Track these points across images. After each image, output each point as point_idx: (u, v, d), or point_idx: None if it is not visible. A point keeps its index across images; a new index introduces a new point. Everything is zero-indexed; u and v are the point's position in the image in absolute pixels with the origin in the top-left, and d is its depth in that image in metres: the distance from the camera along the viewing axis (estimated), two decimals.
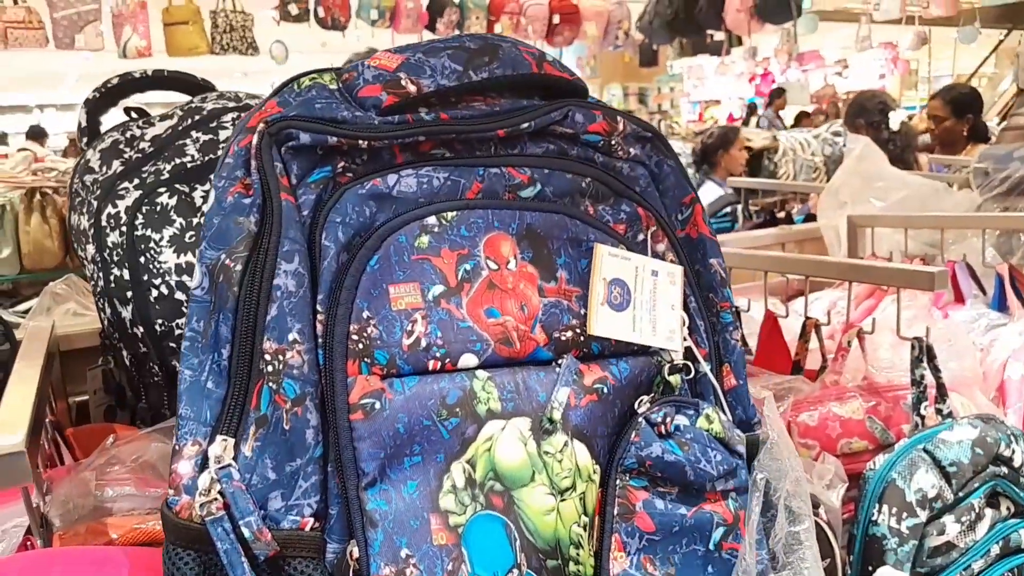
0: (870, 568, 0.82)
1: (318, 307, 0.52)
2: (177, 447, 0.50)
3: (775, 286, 1.44)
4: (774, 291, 1.33)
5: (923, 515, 0.82)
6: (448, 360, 0.55)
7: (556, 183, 0.62)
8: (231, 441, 0.50)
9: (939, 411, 0.96)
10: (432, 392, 0.54)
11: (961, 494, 0.84)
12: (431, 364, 0.55)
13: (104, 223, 0.84)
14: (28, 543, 0.62)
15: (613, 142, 0.65)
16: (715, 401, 0.66)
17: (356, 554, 0.50)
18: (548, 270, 0.60)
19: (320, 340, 0.52)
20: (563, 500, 0.56)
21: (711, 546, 0.59)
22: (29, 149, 4.76)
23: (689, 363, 0.64)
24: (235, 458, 0.50)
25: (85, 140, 0.96)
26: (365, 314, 0.52)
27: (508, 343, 0.57)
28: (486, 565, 0.53)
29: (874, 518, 0.83)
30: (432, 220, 0.56)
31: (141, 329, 0.82)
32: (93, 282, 0.87)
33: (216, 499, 0.48)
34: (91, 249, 0.86)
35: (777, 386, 1.02)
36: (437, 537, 0.52)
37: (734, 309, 0.68)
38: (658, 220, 0.66)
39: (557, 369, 0.59)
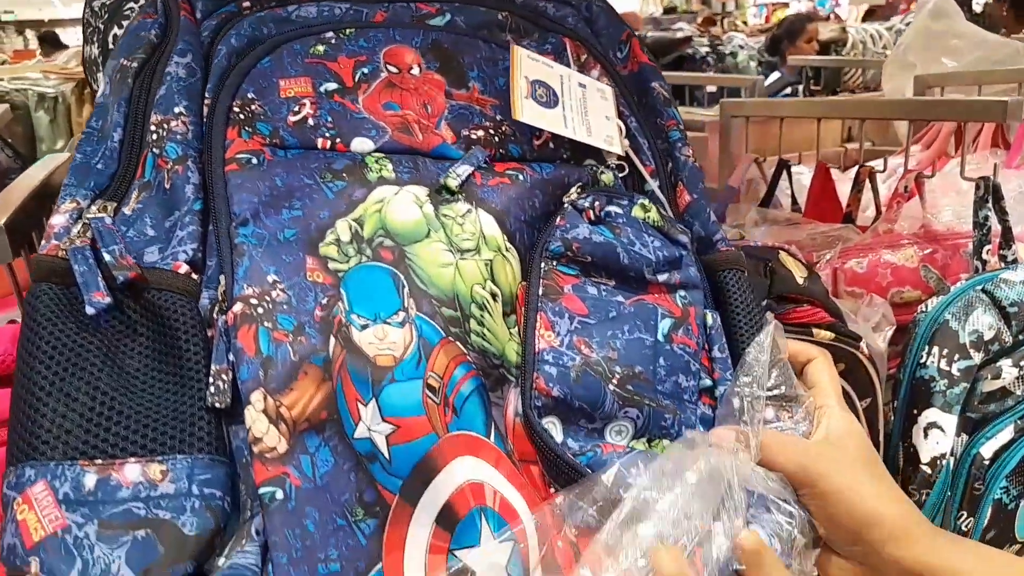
0: (915, 411, 0.77)
1: (206, 95, 0.52)
2: (55, 208, 0.49)
3: (831, 156, 1.35)
4: (830, 162, 1.24)
5: (977, 357, 0.76)
6: (339, 140, 0.53)
7: (468, 15, 0.59)
8: (112, 204, 0.49)
9: (1003, 258, 0.88)
10: (317, 158, 0.52)
11: (1022, 337, 0.78)
12: (319, 142, 0.52)
13: (112, 46, 0.81)
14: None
15: None
16: None
17: (223, 287, 0.48)
18: (458, 79, 0.57)
19: (204, 117, 0.52)
20: (463, 259, 0.52)
21: (659, 336, 0.54)
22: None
23: (624, 163, 0.60)
24: (114, 216, 0.49)
25: None
26: (250, 95, 0.52)
27: (408, 131, 0.54)
28: (367, 306, 0.49)
29: (923, 361, 0.77)
30: (330, 34, 0.55)
31: None
32: None
33: (83, 236, 0.47)
34: (101, 78, 0.83)
35: (823, 234, 0.95)
36: (312, 275, 0.49)
37: (681, 127, 0.64)
38: (590, 49, 0.63)
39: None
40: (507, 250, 0.54)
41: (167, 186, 0.49)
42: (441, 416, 0.48)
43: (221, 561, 0.45)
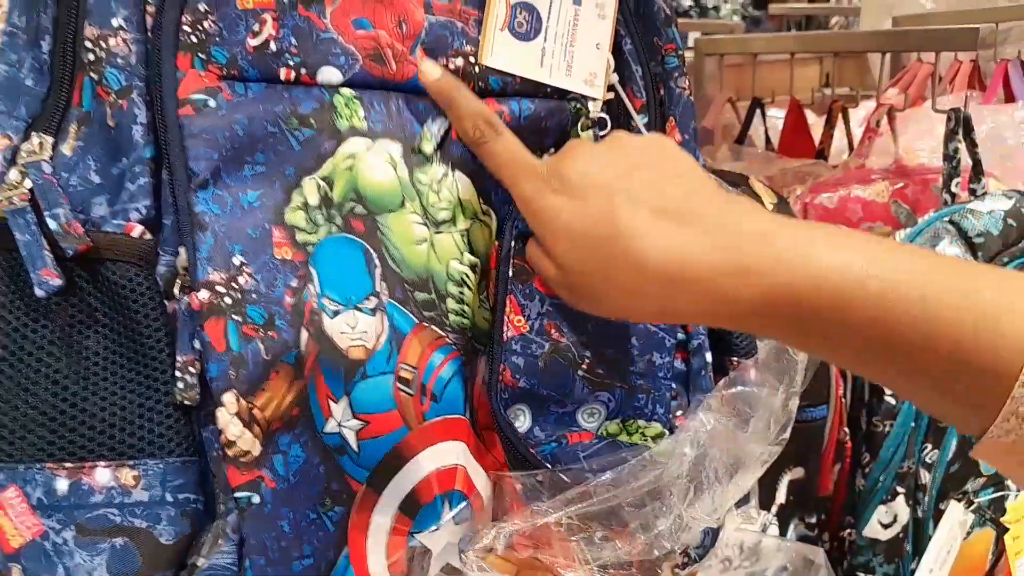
0: None
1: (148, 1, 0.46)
2: None
3: (805, 102, 1.34)
4: (807, 106, 1.23)
5: None
6: (304, 71, 0.47)
7: None
8: (49, 140, 0.44)
9: (972, 192, 0.88)
10: (281, 98, 0.47)
11: None
12: (283, 72, 0.47)
13: None
14: None
15: None
16: None
17: (185, 261, 0.45)
18: None
19: (149, 33, 0.45)
20: (439, 232, 0.50)
21: None
22: None
23: (606, 116, 0.54)
24: (52, 158, 0.44)
25: None
26: (202, 7, 0.45)
27: (380, 61, 0.49)
28: (338, 288, 0.47)
29: None
30: None
31: None
32: None
33: (22, 192, 0.42)
34: None
35: (795, 170, 0.95)
36: (280, 251, 0.46)
37: (680, 52, 0.58)
38: None
39: None
40: (484, 213, 0.51)
41: (111, 124, 0.45)
42: (416, 406, 0.48)
43: (200, 561, 0.45)
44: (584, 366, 0.51)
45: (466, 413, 0.50)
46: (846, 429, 0.78)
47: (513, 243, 0.51)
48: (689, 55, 1.38)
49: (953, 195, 0.85)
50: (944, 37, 0.86)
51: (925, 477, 0.79)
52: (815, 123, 1.19)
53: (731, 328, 0.55)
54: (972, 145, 0.86)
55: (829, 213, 0.89)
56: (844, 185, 0.90)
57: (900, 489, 0.78)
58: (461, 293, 0.50)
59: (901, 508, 0.79)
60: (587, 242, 0.43)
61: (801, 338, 0.41)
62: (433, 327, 0.49)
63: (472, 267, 0.51)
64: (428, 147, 0.49)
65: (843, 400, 0.77)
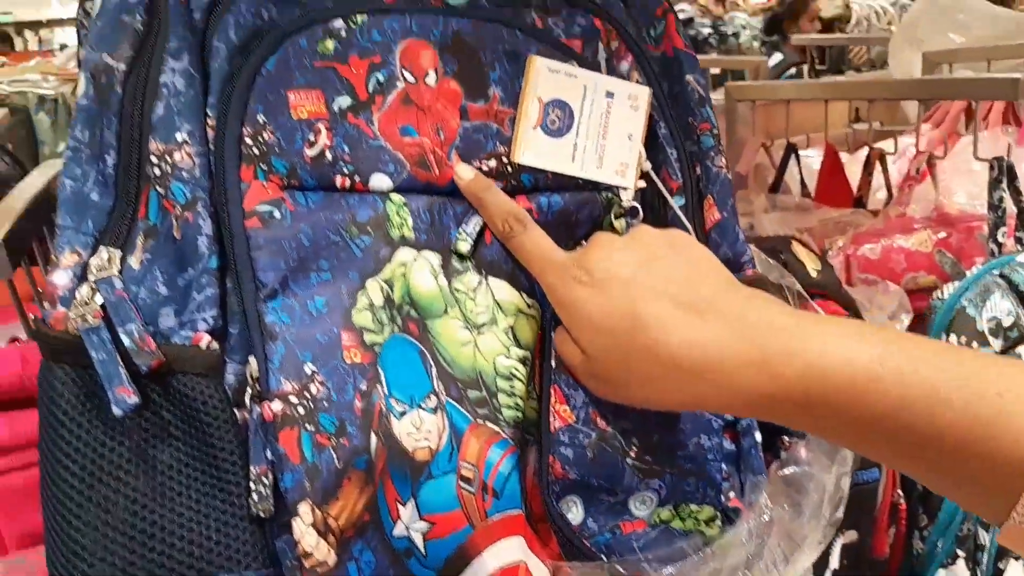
0: None
1: (208, 112, 0.46)
2: (55, 258, 0.45)
3: (838, 138, 1.32)
4: (838, 143, 1.22)
5: (997, 344, 0.74)
6: (358, 178, 0.48)
7: None
8: (116, 253, 0.45)
9: (1019, 240, 0.87)
10: (340, 208, 0.48)
11: None
12: (339, 180, 0.48)
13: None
14: (16, 343, 0.60)
15: None
16: None
17: (256, 372, 0.45)
18: (477, 86, 0.51)
19: (211, 145, 0.46)
20: (480, 334, 0.50)
21: None
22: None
23: (637, 205, 0.55)
24: (120, 271, 0.44)
25: None
26: (260, 118, 0.46)
27: (425, 166, 0.50)
28: (403, 388, 0.47)
29: None
30: (339, 23, 0.48)
31: None
32: None
33: (95, 309, 0.43)
34: (81, 74, 0.82)
35: (834, 220, 0.94)
36: (349, 354, 0.46)
37: (715, 131, 0.58)
38: (621, 34, 0.57)
39: None
40: (529, 307, 0.52)
41: (177, 235, 0.45)
42: (479, 504, 0.48)
43: None
44: (632, 454, 0.51)
45: (523, 506, 0.50)
46: (900, 491, 0.76)
47: (555, 334, 0.51)
48: (718, 96, 1.38)
49: (1000, 244, 0.84)
50: (984, 86, 0.85)
51: (984, 538, 0.77)
52: (848, 160, 1.17)
53: (750, 417, 0.55)
54: (1016, 193, 0.84)
55: (872, 265, 0.87)
56: (886, 235, 0.89)
57: (960, 552, 0.76)
58: (512, 387, 0.50)
59: (962, 572, 0.77)
60: (610, 332, 0.44)
61: (817, 429, 0.43)
62: (488, 424, 0.49)
63: (521, 360, 0.51)
64: (464, 247, 0.50)
65: None
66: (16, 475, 0.48)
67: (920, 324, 0.81)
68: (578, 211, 0.54)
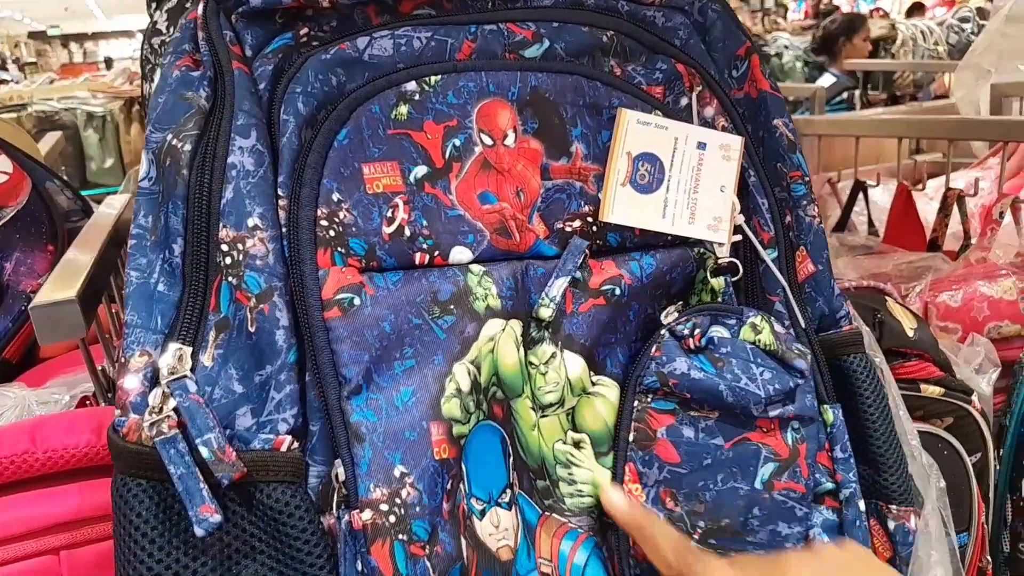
0: None
1: (279, 191, 0.44)
2: (123, 359, 0.42)
3: (903, 171, 1.29)
4: (902, 175, 1.18)
5: None
6: (437, 253, 0.46)
7: (569, 38, 0.50)
8: (187, 350, 0.42)
9: None
10: (421, 287, 0.45)
11: None
12: (417, 257, 0.46)
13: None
14: (87, 403, 0.59)
15: None
16: (783, 296, 0.54)
17: (342, 475, 0.42)
18: (558, 144, 0.49)
19: (284, 228, 0.43)
20: (544, 416, 0.48)
21: (757, 484, 0.49)
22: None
23: (736, 261, 0.52)
24: (193, 369, 0.42)
25: (154, 4, 0.90)
26: (335, 196, 0.44)
27: (506, 234, 0.47)
28: (483, 484, 0.45)
29: None
30: (412, 86, 0.46)
31: None
32: None
33: (169, 416, 0.40)
34: (144, 155, 0.81)
35: (910, 264, 0.90)
36: (439, 450, 0.43)
37: (806, 179, 0.55)
38: (705, 78, 0.54)
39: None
40: (594, 385, 0.50)
41: (251, 329, 0.42)
42: None
43: None
44: (696, 535, 0.49)
45: None
46: (988, 557, 0.72)
47: (636, 402, 0.49)
48: None
49: None
50: None
51: None
52: (916, 196, 1.13)
53: None
54: None
55: (952, 312, 0.84)
56: (967, 281, 0.85)
57: None
58: (571, 475, 0.48)
59: None
60: None
61: None
62: (554, 515, 0.47)
63: (576, 444, 0.49)
64: (546, 312, 0.48)
65: (984, 526, 0.71)
66: (89, 549, 0.47)
67: (1008, 376, 0.77)
68: (671, 271, 0.51)
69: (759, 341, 0.49)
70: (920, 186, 1.13)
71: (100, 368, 0.59)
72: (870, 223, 1.09)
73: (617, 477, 0.48)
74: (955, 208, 0.96)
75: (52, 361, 0.77)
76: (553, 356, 0.48)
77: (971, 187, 1.07)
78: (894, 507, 0.54)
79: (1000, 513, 0.74)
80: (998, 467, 0.74)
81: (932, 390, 0.63)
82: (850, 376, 0.54)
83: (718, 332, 0.49)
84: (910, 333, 0.63)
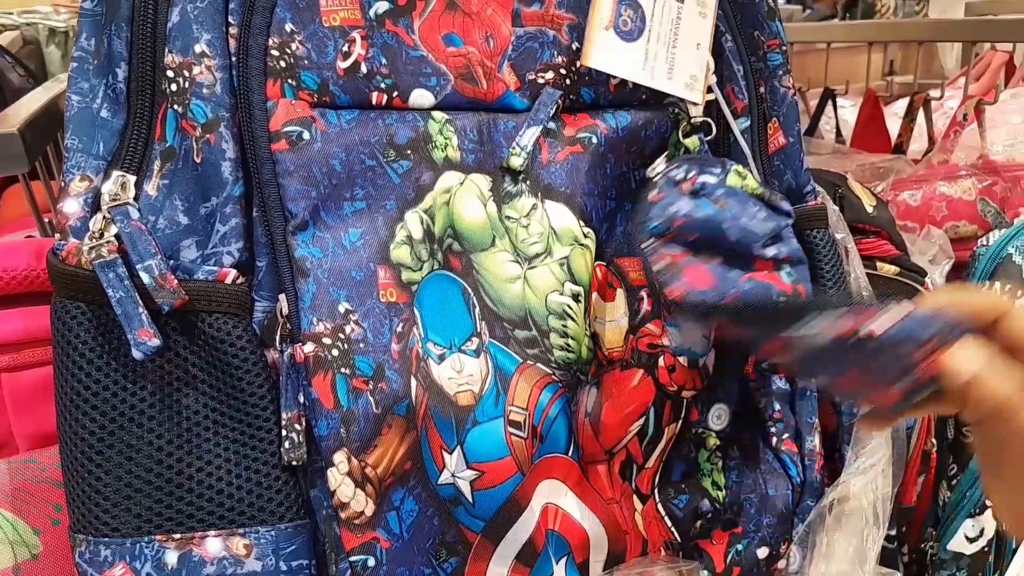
0: None
1: (230, 18, 0.42)
2: (63, 184, 0.41)
3: (876, 89, 1.28)
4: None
5: None
6: (396, 94, 0.45)
7: None
8: (131, 178, 0.41)
9: None
10: (376, 129, 0.44)
11: None
12: (375, 97, 0.44)
13: None
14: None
15: None
16: (753, 166, 0.53)
17: (286, 310, 0.42)
18: None
19: (234, 58, 0.42)
20: (531, 268, 0.47)
21: None
22: None
23: (710, 120, 0.52)
24: (136, 198, 0.41)
25: None
26: (288, 27, 0.42)
27: (472, 80, 0.46)
28: (441, 330, 0.44)
29: None
30: None
31: None
32: None
33: (110, 241, 0.39)
34: None
35: (873, 166, 0.90)
36: (385, 293, 0.43)
37: (784, 48, 0.54)
38: None
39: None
40: (586, 236, 0.49)
41: (197, 159, 0.41)
42: (528, 449, 0.46)
43: None
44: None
45: (569, 450, 0.48)
46: (933, 440, 0.74)
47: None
48: None
49: None
50: None
51: None
52: (884, 112, 1.13)
53: None
54: None
55: (912, 211, 0.84)
56: (928, 181, 0.85)
57: (989, 502, 0.74)
58: (564, 326, 0.47)
59: (988, 521, 0.75)
60: None
61: None
62: (538, 364, 0.47)
63: (575, 296, 0.48)
64: (516, 161, 0.46)
65: None
66: (29, 372, 0.46)
67: (959, 271, 0.78)
68: (646, 128, 0.50)
69: (745, 186, 0.49)
70: (887, 103, 1.13)
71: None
72: (838, 132, 1.09)
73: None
74: (920, 113, 0.96)
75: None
76: (534, 208, 0.47)
77: (940, 105, 1.07)
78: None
79: None
80: None
81: (888, 268, 0.63)
82: (812, 250, 0.55)
83: (707, 179, 0.49)
84: (870, 210, 0.63)
